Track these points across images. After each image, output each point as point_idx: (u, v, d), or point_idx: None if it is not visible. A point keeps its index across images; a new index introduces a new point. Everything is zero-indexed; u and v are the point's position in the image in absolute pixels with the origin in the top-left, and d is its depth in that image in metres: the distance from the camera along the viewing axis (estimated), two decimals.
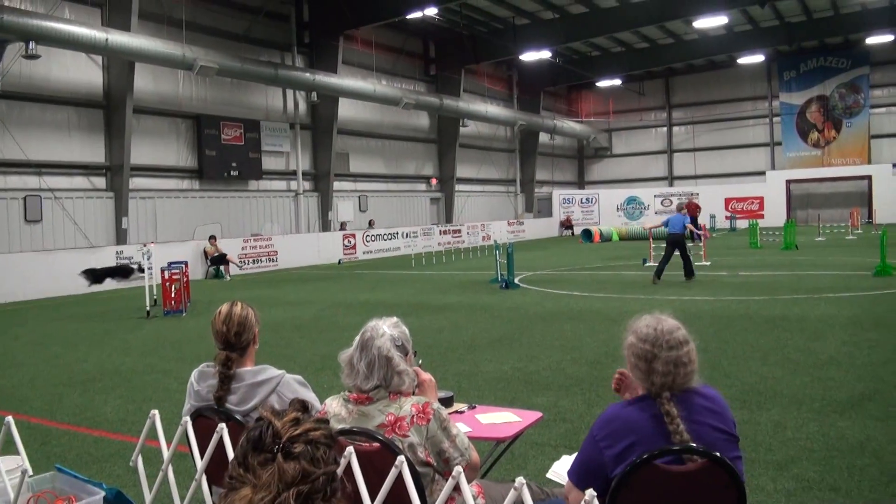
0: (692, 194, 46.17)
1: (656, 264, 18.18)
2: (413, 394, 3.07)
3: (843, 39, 44.44)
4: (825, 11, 38.80)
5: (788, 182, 46.60)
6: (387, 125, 35.96)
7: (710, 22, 35.15)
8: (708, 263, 21.49)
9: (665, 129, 51.85)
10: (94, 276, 20.83)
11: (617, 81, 47.16)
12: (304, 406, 1.60)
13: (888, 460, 5.24)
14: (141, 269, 18.33)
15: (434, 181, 39.20)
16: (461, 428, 3.25)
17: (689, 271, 17.57)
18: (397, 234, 33.24)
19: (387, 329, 3.08)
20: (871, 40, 41.33)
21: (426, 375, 3.24)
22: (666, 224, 17.76)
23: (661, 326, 2.67)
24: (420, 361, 3.40)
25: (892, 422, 6.12)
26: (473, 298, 15.77)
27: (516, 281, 18.05)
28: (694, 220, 32.72)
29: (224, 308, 3.63)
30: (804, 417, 6.33)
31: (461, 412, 4.00)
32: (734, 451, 2.58)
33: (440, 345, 10.40)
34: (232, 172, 27.77)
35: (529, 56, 37.51)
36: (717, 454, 2.47)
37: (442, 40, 37.86)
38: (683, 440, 2.48)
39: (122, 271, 21.25)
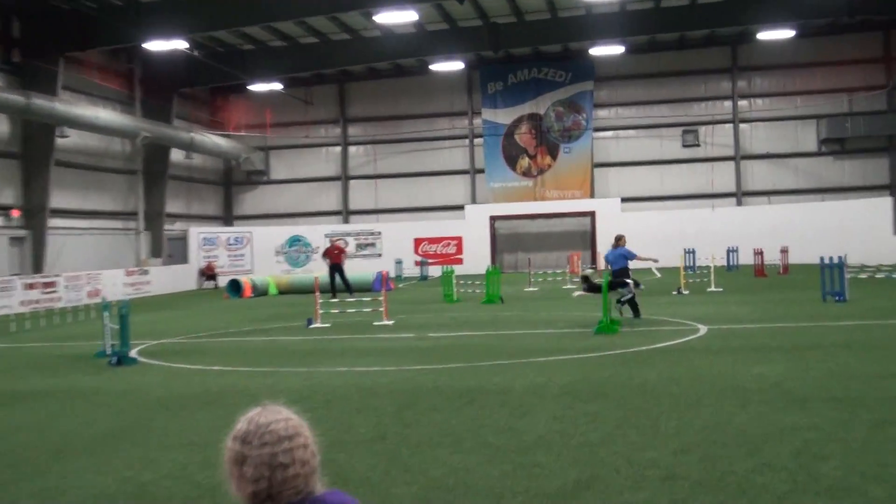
0: (337, 236, 47.09)
1: (323, 324, 18.58)
2: None
3: (562, 48, 48.88)
4: (540, 13, 42.46)
5: (493, 219, 49.97)
6: None
7: (396, 17, 36.87)
8: (390, 323, 22.18)
9: (339, 148, 53.42)
10: None
11: (277, 85, 47.81)
12: None
13: None
14: None
15: (16, 213, 36.83)
16: None
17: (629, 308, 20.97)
18: None
19: None
20: (597, 51, 45.92)
21: None
22: (607, 260, 21.66)
23: (258, 419, 2.76)
24: None
25: None
26: (69, 381, 14.98)
27: (133, 354, 17.42)
28: (338, 267, 33.65)
29: None
30: None
31: None
32: None
33: (13, 453, 9.72)
34: None
35: (157, 45, 36.82)
36: None
37: (31, 16, 35.98)
38: None
39: None
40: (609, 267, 21.81)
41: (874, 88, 47.78)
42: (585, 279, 20.00)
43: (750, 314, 21.58)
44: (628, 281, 20.24)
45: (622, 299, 20.63)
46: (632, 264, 21.55)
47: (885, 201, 45.85)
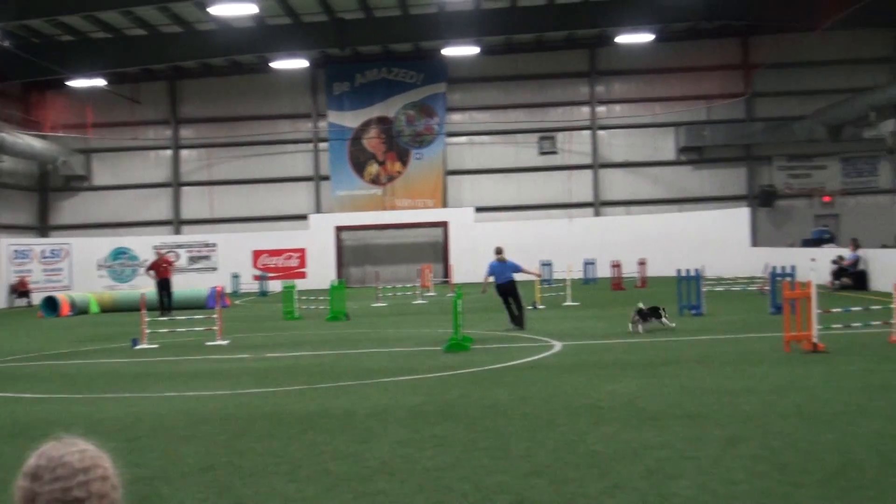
0: (164, 248, 45.80)
1: (150, 345, 18.27)
2: None
3: (413, 47, 49.19)
4: (390, 9, 42.68)
5: (338, 229, 49.93)
6: None
7: (233, 9, 36.52)
8: (225, 343, 21.94)
9: (170, 152, 52.56)
10: None
11: (101, 81, 46.72)
12: None
13: None
14: None
15: None
16: None
17: (520, 321, 22.92)
18: None
19: None
20: (450, 51, 46.43)
21: None
22: (491, 274, 23.31)
23: (50, 453, 2.68)
24: None
25: None
26: None
27: None
28: (166, 282, 33.13)
29: None
30: None
31: None
32: None
33: None
34: None
35: None
36: None
37: None
38: None
39: None
40: (494, 280, 23.22)
41: (733, 96, 49.66)
42: (641, 312, 21.07)
43: (605, 329, 22.12)
44: (663, 315, 21.25)
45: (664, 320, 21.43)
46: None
47: (742, 212, 47.74)
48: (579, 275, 42.18)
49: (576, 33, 47.80)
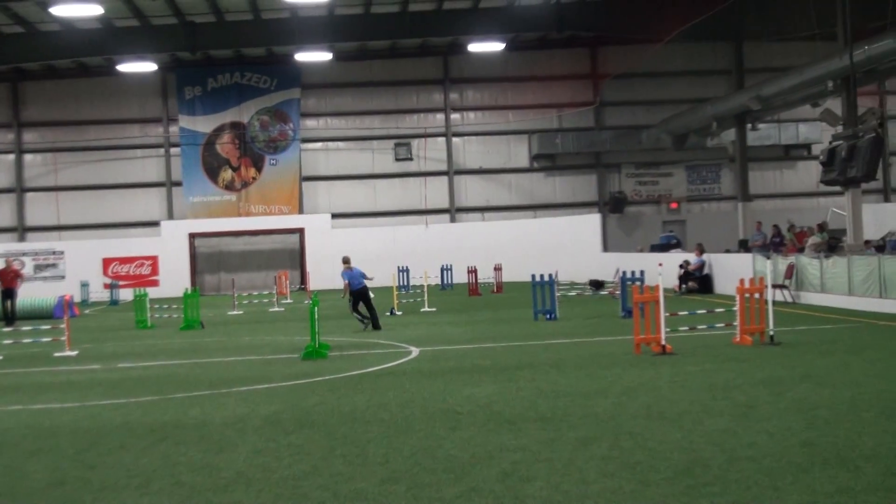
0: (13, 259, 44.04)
1: None
2: None
3: (266, 52, 48.73)
4: (242, 13, 42.23)
5: (192, 236, 49.16)
6: None
7: (77, 9, 35.64)
8: (74, 354, 21.41)
9: (13, 156, 50.84)
10: None
11: None
12: None
13: None
14: None
15: None
16: None
17: (375, 322, 24.63)
18: None
19: None
20: (303, 57, 46.23)
21: None
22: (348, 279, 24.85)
23: None
24: None
25: None
26: None
27: None
28: (10, 292, 32.18)
29: None
30: None
31: None
32: None
33: None
34: None
35: None
36: None
37: None
38: None
39: None
40: (348, 285, 24.58)
41: (582, 105, 50.73)
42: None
43: (462, 334, 22.42)
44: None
45: None
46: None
47: (593, 218, 48.79)
48: (436, 280, 42.44)
49: (429, 41, 48.14)
